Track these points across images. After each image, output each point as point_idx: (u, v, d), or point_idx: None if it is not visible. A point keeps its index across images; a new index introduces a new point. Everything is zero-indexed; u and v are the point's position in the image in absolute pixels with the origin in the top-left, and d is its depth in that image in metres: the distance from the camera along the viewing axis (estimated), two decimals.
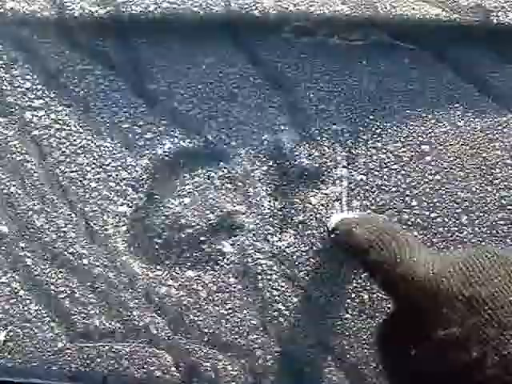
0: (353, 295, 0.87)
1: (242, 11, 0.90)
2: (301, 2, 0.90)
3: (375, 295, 0.87)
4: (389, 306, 0.87)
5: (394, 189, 0.89)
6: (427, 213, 0.88)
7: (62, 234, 0.87)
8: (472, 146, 0.89)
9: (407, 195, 0.88)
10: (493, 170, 0.90)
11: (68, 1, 0.90)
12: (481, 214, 0.87)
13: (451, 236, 0.87)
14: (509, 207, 0.87)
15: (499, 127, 0.91)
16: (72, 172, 0.87)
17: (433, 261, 0.70)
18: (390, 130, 0.89)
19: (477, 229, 0.87)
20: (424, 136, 0.89)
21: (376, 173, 0.88)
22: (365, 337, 0.87)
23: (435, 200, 0.87)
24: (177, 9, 0.89)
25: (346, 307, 0.87)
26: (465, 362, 0.61)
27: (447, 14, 0.92)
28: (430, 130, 0.89)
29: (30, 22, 0.89)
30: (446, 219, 0.88)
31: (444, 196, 0.88)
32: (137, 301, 0.86)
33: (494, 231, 0.87)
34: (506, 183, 0.89)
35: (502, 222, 0.87)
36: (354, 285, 0.87)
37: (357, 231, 0.73)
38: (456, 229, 0.88)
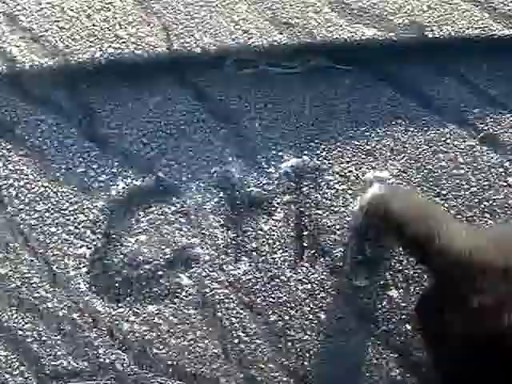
0: (310, 316, 0.87)
1: (184, 50, 0.91)
2: (239, 36, 0.91)
3: (332, 315, 0.87)
4: (347, 324, 0.94)
5: (342, 209, 0.89)
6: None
7: (27, 280, 0.88)
8: (417, 159, 0.90)
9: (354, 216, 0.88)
10: (439, 182, 0.89)
11: (18, 54, 0.92)
12: None
13: None
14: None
15: (442, 139, 0.92)
16: (32, 219, 0.89)
17: (468, 235, 0.74)
18: (334, 152, 0.90)
19: None
20: (369, 154, 0.88)
21: (324, 194, 0.87)
22: (325, 356, 0.86)
23: None
24: (121, 53, 0.91)
25: (304, 329, 0.87)
26: (497, 328, 0.65)
27: (383, 33, 0.93)
28: (374, 148, 0.89)
29: None
30: None
31: None
32: (101, 339, 0.87)
33: None
34: (453, 193, 0.89)
35: None
36: (311, 306, 0.87)
37: (394, 206, 0.78)
38: None
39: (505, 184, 0.94)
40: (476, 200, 0.93)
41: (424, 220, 0.74)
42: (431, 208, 0.78)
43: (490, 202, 0.93)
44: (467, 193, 0.92)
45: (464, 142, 0.95)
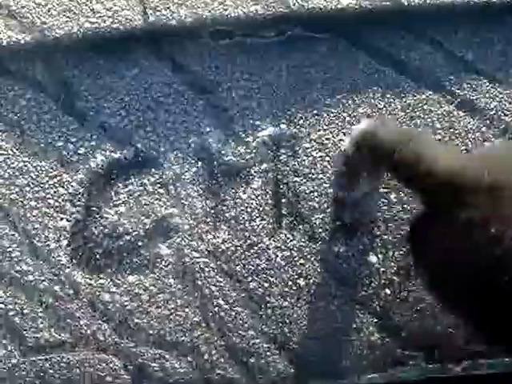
0: (289, 283, 0.87)
1: (160, 22, 0.91)
2: (215, 7, 0.91)
3: (311, 281, 0.87)
4: (327, 290, 0.96)
5: (320, 176, 0.89)
6: None
7: (8, 254, 0.89)
8: None
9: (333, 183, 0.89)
10: None
11: None
12: None
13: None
14: None
15: (419, 105, 0.91)
16: (12, 194, 0.89)
17: (454, 156, 0.78)
18: (312, 120, 0.90)
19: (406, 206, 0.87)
20: (345, 121, 0.89)
21: (302, 162, 0.87)
22: (305, 322, 0.87)
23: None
24: (98, 27, 0.91)
25: (283, 295, 0.87)
26: (486, 239, 0.68)
27: (358, 1, 0.92)
28: (351, 115, 0.89)
29: None
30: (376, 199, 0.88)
31: None
32: (83, 310, 0.88)
33: None
34: None
35: None
36: (290, 273, 0.87)
37: (382, 134, 0.81)
38: (386, 207, 0.87)
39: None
40: None
41: (412, 144, 0.77)
42: (418, 133, 0.84)
43: None
44: None
45: (441, 107, 0.95)
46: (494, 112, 0.95)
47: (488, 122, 0.95)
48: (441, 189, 0.72)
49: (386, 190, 0.93)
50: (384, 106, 0.94)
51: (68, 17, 0.95)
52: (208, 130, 0.93)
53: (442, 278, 0.74)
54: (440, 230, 0.73)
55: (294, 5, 0.94)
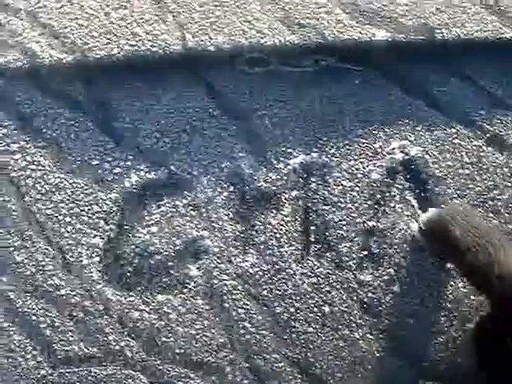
0: (315, 309, 0.89)
1: (198, 48, 0.93)
2: (253, 35, 0.94)
3: (336, 308, 0.89)
4: (351, 318, 0.97)
5: (349, 205, 0.90)
6: None
7: (41, 268, 0.91)
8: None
9: (362, 212, 0.90)
10: (445, 181, 0.90)
11: (38, 50, 0.94)
12: None
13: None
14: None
15: (449, 138, 0.92)
16: (48, 209, 0.91)
17: None
18: (342, 150, 0.92)
19: None
20: (376, 152, 0.90)
21: (332, 191, 0.89)
22: (328, 349, 0.89)
23: None
24: (138, 50, 0.94)
25: (308, 321, 0.89)
26: None
27: (392, 35, 0.94)
28: (381, 147, 0.91)
29: (4, 72, 0.93)
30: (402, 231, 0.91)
31: None
32: (112, 326, 0.89)
33: None
34: (458, 192, 0.90)
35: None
36: (316, 299, 0.89)
37: (454, 232, 0.78)
38: (411, 238, 0.98)
39: (509, 184, 0.95)
40: (481, 199, 0.94)
41: (484, 247, 0.75)
42: (490, 233, 0.78)
43: (495, 202, 0.94)
44: (472, 192, 0.94)
45: (470, 142, 0.96)
46: None
47: None
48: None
49: (411, 222, 0.94)
50: (414, 139, 0.95)
51: (109, 39, 0.98)
52: (241, 155, 0.95)
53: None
54: (508, 337, 0.71)
55: (330, 36, 0.96)
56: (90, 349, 0.93)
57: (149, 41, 0.98)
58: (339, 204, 0.94)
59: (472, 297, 0.94)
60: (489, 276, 0.73)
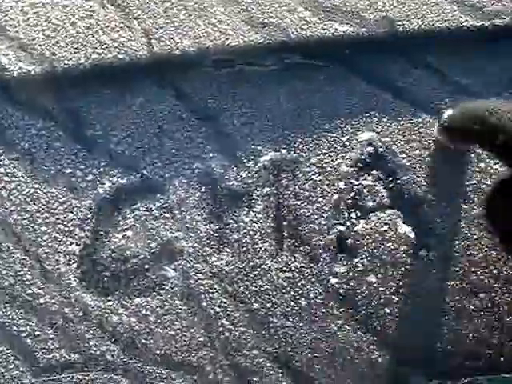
0: (291, 303, 0.89)
1: (165, 52, 0.94)
2: (217, 37, 0.94)
3: (312, 301, 0.89)
4: (328, 310, 0.98)
5: (320, 199, 0.91)
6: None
7: (19, 278, 0.91)
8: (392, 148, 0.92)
9: (335, 206, 0.90)
10: (414, 169, 0.91)
11: (7, 62, 0.94)
12: None
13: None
14: (432, 202, 1.00)
15: (416, 128, 0.93)
16: (24, 219, 0.92)
17: None
18: (311, 145, 0.93)
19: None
20: (344, 145, 0.91)
21: (302, 185, 0.90)
22: (307, 342, 0.89)
23: None
24: (105, 58, 0.94)
25: (285, 315, 0.89)
26: None
27: (355, 29, 0.95)
28: (349, 139, 0.91)
29: None
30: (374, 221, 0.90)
31: None
32: (92, 331, 0.90)
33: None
34: (428, 179, 0.91)
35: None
36: (292, 293, 0.89)
37: (466, 116, 0.84)
38: (384, 228, 1.00)
39: (477, 169, 0.95)
40: (450, 185, 0.94)
41: (504, 111, 0.79)
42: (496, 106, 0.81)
43: (464, 188, 0.94)
44: (441, 179, 0.94)
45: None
46: None
47: None
48: None
49: (386, 211, 0.95)
50: (381, 130, 0.96)
51: (76, 48, 0.98)
52: (211, 155, 0.96)
53: None
54: None
55: (293, 33, 0.97)
56: (72, 355, 0.93)
57: (115, 48, 0.99)
58: (310, 198, 0.95)
59: (447, 282, 0.95)
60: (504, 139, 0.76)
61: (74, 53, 0.99)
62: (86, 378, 0.94)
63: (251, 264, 0.94)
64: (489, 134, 0.77)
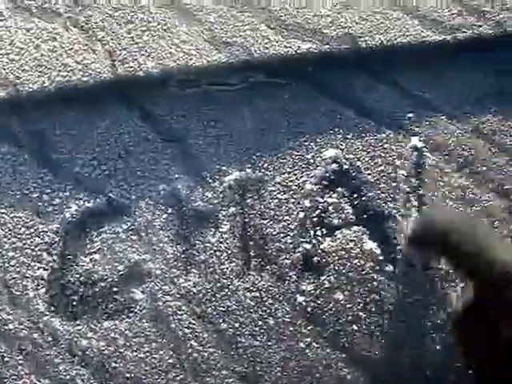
0: (259, 322, 0.90)
1: (129, 74, 0.94)
2: (181, 58, 0.94)
3: (280, 320, 0.90)
4: (296, 328, 0.98)
5: (286, 217, 0.91)
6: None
7: None
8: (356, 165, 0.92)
9: (301, 224, 0.91)
10: (378, 185, 0.92)
11: None
12: None
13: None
14: (395, 216, 0.98)
15: (380, 144, 0.93)
16: None
17: None
18: (276, 163, 0.94)
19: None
20: (309, 163, 0.92)
21: (268, 204, 0.90)
22: (276, 361, 0.90)
23: None
24: (69, 81, 0.94)
25: (254, 335, 0.90)
26: None
27: (317, 46, 0.95)
28: (314, 157, 0.92)
29: None
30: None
31: None
32: (61, 356, 0.91)
33: None
34: (391, 195, 0.91)
35: None
36: (260, 313, 0.90)
37: (445, 231, 0.83)
38: (350, 245, 0.99)
39: (441, 184, 0.96)
40: (413, 199, 0.95)
41: (474, 236, 0.80)
42: (479, 226, 0.85)
43: (428, 202, 0.95)
44: (403, 194, 0.95)
45: (400, 145, 0.97)
46: (452, 148, 0.98)
47: (447, 157, 0.97)
48: (499, 280, 0.76)
49: (351, 228, 0.95)
50: (346, 147, 0.97)
51: (40, 71, 0.99)
52: (177, 176, 0.96)
53: (490, 368, 0.77)
54: (494, 320, 0.76)
55: (256, 52, 0.97)
56: (42, 380, 0.93)
57: (79, 70, 0.99)
58: (276, 217, 0.96)
59: (413, 297, 0.95)
60: (478, 262, 0.78)
61: (39, 76, 0.99)
62: None
63: (218, 284, 0.95)
64: (452, 257, 0.78)
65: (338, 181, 0.98)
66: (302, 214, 0.97)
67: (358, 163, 0.98)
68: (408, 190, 0.98)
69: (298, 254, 0.97)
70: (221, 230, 0.96)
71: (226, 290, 0.95)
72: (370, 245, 0.96)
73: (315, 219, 0.97)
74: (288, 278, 0.96)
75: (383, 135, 0.98)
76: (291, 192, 0.97)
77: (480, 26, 0.99)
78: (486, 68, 1.00)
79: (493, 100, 0.99)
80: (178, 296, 0.95)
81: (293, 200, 0.97)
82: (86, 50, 1.00)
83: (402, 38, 1.00)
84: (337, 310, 0.96)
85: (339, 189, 0.98)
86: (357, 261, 0.96)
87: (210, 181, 0.97)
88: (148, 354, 0.94)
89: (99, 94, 0.98)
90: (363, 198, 0.98)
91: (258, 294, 0.95)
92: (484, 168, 0.98)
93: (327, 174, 0.98)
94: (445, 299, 0.95)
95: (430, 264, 0.94)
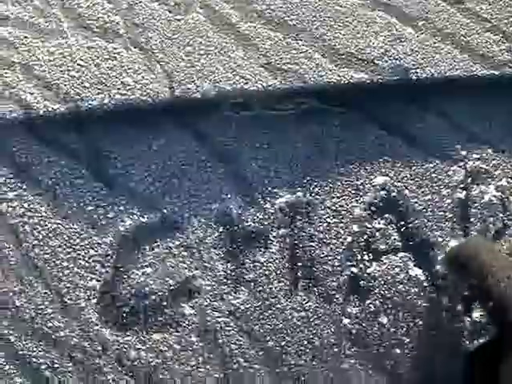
0: (305, 342, 0.93)
1: (186, 95, 0.97)
2: (236, 81, 0.97)
3: (325, 340, 0.93)
4: (340, 349, 1.01)
5: (334, 241, 0.94)
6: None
7: (40, 311, 0.94)
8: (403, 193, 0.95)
9: (348, 248, 0.99)
10: (425, 213, 0.94)
11: (33, 101, 0.98)
12: None
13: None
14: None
15: (427, 174, 0.96)
16: (46, 254, 0.95)
17: None
18: (326, 188, 0.96)
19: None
20: (358, 189, 0.95)
21: (317, 228, 0.94)
22: (320, 379, 0.92)
23: None
24: (128, 99, 0.98)
25: (299, 354, 0.92)
26: None
27: (369, 77, 0.98)
28: (363, 184, 0.95)
29: (0, 123, 0.97)
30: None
31: None
32: (110, 366, 0.93)
33: None
34: (438, 224, 0.94)
35: None
36: (306, 332, 0.93)
37: (478, 260, 0.84)
38: (394, 271, 0.96)
39: (486, 215, 0.99)
40: (459, 230, 0.98)
41: (503, 274, 0.80)
42: (505, 264, 0.83)
43: (472, 232, 0.98)
44: (450, 223, 0.98)
45: (448, 176, 1.00)
46: (498, 179, 1.01)
47: (492, 187, 1.00)
48: None
49: (397, 254, 0.98)
50: (394, 175, 0.99)
51: (100, 89, 1.02)
52: (229, 196, 0.99)
53: None
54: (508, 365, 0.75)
55: (310, 79, 1.01)
56: None
57: (138, 90, 1.02)
58: (324, 240, 0.99)
59: (455, 325, 0.98)
60: (504, 302, 0.77)
61: (98, 93, 1.02)
62: None
63: (267, 303, 0.97)
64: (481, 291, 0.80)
65: (386, 207, 1.01)
66: (349, 239, 1.00)
67: (406, 191, 1.00)
68: (454, 219, 1.01)
69: (345, 277, 0.99)
70: (270, 250, 0.99)
71: (274, 309, 0.98)
72: (416, 271, 0.99)
73: (363, 244, 1.00)
74: (334, 300, 0.99)
75: (430, 165, 1.01)
76: (340, 216, 1.00)
77: None
78: None
79: None
80: (227, 313, 0.98)
81: (341, 224, 1.00)
82: (144, 70, 1.03)
83: (451, 71, 1.03)
84: (381, 333, 0.98)
85: (387, 215, 1.01)
86: (402, 286, 0.99)
87: (262, 202, 1.00)
88: (195, 367, 0.97)
89: (156, 113, 1.02)
90: (410, 225, 1.00)
91: (304, 314, 0.98)
92: None
93: (376, 201, 1.01)
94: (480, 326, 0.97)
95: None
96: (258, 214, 1.01)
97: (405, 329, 0.98)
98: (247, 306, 0.98)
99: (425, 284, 1.00)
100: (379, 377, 0.97)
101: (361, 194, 1.01)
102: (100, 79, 1.06)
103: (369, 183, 1.01)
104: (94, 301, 0.99)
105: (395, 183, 1.01)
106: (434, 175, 1.01)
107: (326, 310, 0.99)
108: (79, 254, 1.00)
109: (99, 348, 0.98)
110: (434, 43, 1.07)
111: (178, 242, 1.01)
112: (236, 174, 1.02)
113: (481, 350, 0.86)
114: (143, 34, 1.09)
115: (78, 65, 1.06)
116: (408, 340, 0.99)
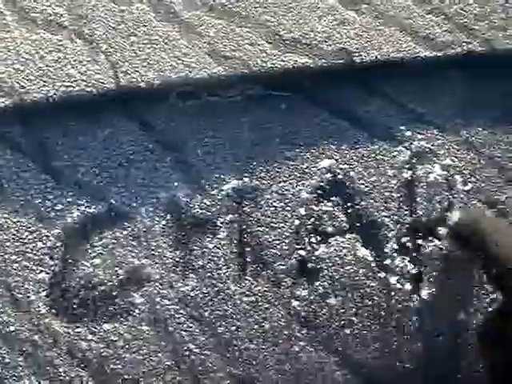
0: (255, 326, 0.93)
1: (131, 85, 0.97)
2: (181, 70, 0.97)
3: (275, 324, 0.93)
4: (290, 332, 1.02)
5: (281, 225, 0.95)
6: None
7: None
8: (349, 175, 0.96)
9: (296, 232, 0.98)
10: (371, 194, 0.95)
11: None
12: None
13: None
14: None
15: (372, 155, 0.97)
16: None
17: None
18: (272, 172, 0.97)
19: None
20: (304, 173, 0.95)
21: (264, 212, 0.95)
22: (271, 363, 0.93)
23: None
24: (72, 91, 0.97)
25: (249, 338, 0.93)
26: None
27: (314, 61, 0.99)
28: (308, 167, 0.95)
29: None
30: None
31: None
32: (61, 358, 0.93)
33: None
34: (385, 204, 0.94)
35: None
36: (255, 317, 0.93)
37: (482, 227, 0.86)
38: (343, 252, 1.00)
39: (437, 199, 1.00)
40: (406, 210, 0.99)
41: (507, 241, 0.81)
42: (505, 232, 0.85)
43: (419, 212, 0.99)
44: (396, 203, 0.99)
45: (393, 157, 1.01)
46: (443, 158, 1.02)
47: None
48: None
49: (345, 236, 0.99)
50: (340, 158, 1.00)
51: (45, 81, 1.02)
52: (176, 184, 0.99)
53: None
54: None
55: (255, 65, 1.01)
56: (42, 382, 0.96)
57: (83, 81, 1.02)
58: (272, 224, 0.99)
59: (406, 304, 0.99)
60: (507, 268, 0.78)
61: (43, 86, 1.02)
62: None
63: (216, 289, 0.98)
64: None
65: (333, 190, 1.02)
66: (297, 222, 1.00)
67: (352, 173, 1.01)
68: (401, 199, 1.02)
69: (293, 260, 1.00)
70: (218, 236, 1.00)
71: (223, 295, 0.99)
72: (363, 252, 1.00)
73: (310, 227, 1.01)
74: (283, 284, 1.00)
75: (376, 146, 1.02)
76: (287, 200, 1.01)
77: (469, 44, 1.03)
78: (475, 82, 1.04)
79: (482, 113, 1.03)
80: (176, 300, 0.98)
81: (288, 208, 1.01)
82: (89, 61, 1.03)
83: (395, 53, 1.04)
84: (330, 314, 0.99)
85: (333, 198, 1.01)
86: (350, 267, 1.00)
87: (209, 189, 1.01)
88: (146, 356, 0.97)
89: (102, 104, 1.02)
90: (357, 207, 1.01)
91: (253, 299, 0.99)
92: (473, 179, 1.02)
93: (322, 184, 1.02)
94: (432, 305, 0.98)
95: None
96: (205, 201, 1.01)
97: (354, 309, 0.99)
98: (196, 293, 0.99)
99: (373, 264, 1.01)
100: (331, 357, 0.98)
101: (307, 177, 1.01)
102: (45, 71, 1.05)
103: (315, 166, 1.01)
104: (44, 293, 0.99)
105: (341, 166, 1.02)
106: (379, 156, 1.02)
107: (275, 294, 0.99)
108: (27, 248, 1.00)
109: (50, 341, 0.98)
110: (377, 26, 1.07)
111: (125, 232, 1.01)
112: (183, 162, 1.03)
113: (489, 320, 0.87)
114: (87, 25, 1.08)
115: (23, 58, 1.06)
116: (357, 320, 0.99)
